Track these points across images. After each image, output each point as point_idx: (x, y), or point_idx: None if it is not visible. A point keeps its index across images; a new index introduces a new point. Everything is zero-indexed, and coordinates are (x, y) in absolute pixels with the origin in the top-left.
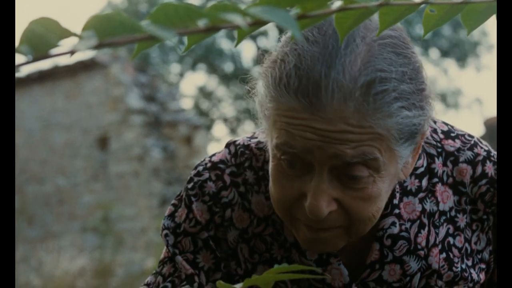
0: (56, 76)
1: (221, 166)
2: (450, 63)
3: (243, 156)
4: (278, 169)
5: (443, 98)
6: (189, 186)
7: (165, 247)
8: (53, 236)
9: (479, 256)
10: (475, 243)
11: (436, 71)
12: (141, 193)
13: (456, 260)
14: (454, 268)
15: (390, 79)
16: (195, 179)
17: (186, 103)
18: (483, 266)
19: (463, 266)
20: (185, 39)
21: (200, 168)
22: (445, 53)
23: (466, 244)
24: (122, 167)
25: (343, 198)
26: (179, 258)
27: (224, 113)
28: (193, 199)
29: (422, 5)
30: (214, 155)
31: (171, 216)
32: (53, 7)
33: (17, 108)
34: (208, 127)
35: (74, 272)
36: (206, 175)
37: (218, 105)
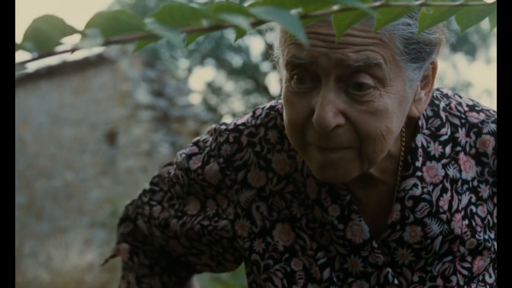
0: (65, 72)
1: (241, 127)
2: (459, 57)
3: (268, 116)
4: (289, 90)
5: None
6: (212, 146)
7: (174, 166)
8: (61, 231)
9: None
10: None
11: (446, 66)
12: None
13: (478, 229)
14: (477, 236)
15: None
16: (218, 138)
17: (195, 98)
18: None
19: (486, 237)
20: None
21: (223, 127)
22: (454, 48)
23: (489, 216)
24: (130, 162)
25: (350, 112)
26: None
27: (232, 108)
28: (211, 160)
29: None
30: (241, 118)
31: (189, 157)
32: (61, 3)
33: (26, 104)
34: (217, 122)
35: (83, 267)
36: (225, 136)
37: (227, 100)
